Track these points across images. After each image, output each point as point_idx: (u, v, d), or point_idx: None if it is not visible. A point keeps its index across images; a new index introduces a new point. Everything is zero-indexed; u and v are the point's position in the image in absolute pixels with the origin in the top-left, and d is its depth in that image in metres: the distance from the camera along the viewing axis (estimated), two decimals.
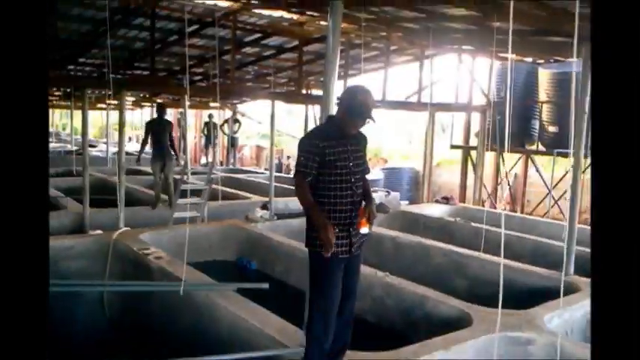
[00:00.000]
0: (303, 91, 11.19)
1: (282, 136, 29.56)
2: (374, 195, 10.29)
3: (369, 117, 2.96)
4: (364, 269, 5.29)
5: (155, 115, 9.08)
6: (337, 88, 3.45)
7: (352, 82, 12.13)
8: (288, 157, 19.04)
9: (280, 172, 17.37)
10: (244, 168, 16.79)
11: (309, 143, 2.96)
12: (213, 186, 8.28)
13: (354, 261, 3.06)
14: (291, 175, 3.41)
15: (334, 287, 2.94)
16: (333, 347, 3.05)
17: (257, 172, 14.69)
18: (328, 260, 2.87)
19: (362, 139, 3.14)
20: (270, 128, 8.16)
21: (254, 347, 3.55)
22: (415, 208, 9.69)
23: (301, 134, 5.99)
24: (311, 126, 10.88)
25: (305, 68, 11.44)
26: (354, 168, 2.98)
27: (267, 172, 10.65)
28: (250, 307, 4.06)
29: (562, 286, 3.25)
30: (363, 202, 3.04)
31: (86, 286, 5.45)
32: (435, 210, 9.35)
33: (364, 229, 2.95)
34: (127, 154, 11.49)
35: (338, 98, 3.28)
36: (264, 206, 7.80)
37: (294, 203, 8.65)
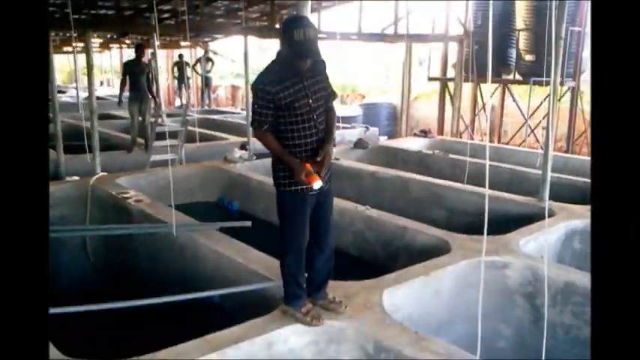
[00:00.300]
0: (277, 26, 10.83)
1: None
2: (353, 131, 10.23)
3: (310, 56, 2.75)
4: (345, 204, 5.38)
5: (133, 56, 8.76)
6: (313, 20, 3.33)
7: (327, 14, 11.78)
8: None
9: None
10: (220, 109, 16.49)
11: (262, 89, 2.77)
12: (190, 128, 8.15)
13: (325, 196, 3.01)
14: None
15: (305, 225, 2.93)
16: (317, 281, 3.10)
17: (233, 113, 14.46)
18: (298, 199, 2.87)
19: (318, 67, 2.90)
20: (244, 66, 7.96)
21: (240, 283, 3.62)
22: (394, 143, 9.72)
23: None
24: None
25: (277, 1, 11.03)
26: (314, 103, 2.83)
27: (244, 112, 10.50)
28: (234, 244, 4.11)
29: (546, 210, 3.33)
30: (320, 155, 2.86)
31: (80, 230, 5.41)
32: (413, 144, 9.40)
33: (316, 184, 2.76)
34: (99, 98, 11.17)
35: (278, 32, 2.96)
36: (243, 146, 7.74)
37: None
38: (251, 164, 7.22)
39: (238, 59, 13.03)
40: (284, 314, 2.98)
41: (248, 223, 4.62)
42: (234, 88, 22.01)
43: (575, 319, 3.60)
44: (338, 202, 5.49)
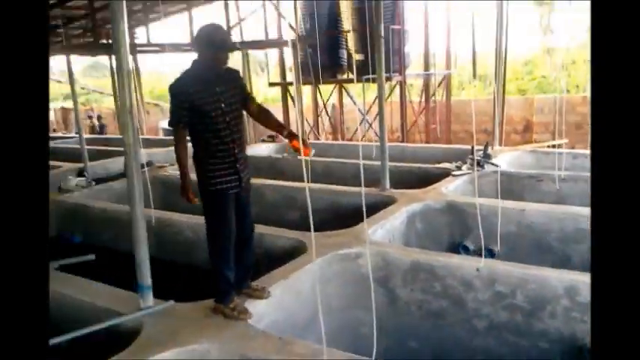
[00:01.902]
0: (103, 41, 10.17)
1: (91, 94, 26.90)
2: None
3: (230, 46, 3.19)
4: (198, 219, 5.23)
5: None
6: (141, 34, 3.18)
7: (154, 26, 11.36)
8: (100, 118, 17.45)
9: (101, 133, 15.98)
10: (51, 135, 15.04)
11: (178, 92, 3.01)
12: None
13: (246, 192, 3.25)
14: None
15: (229, 222, 3.14)
16: (243, 273, 3.35)
17: (66, 137, 13.28)
18: (221, 197, 3.10)
19: (233, 77, 3.22)
20: (71, 86, 7.34)
21: (89, 323, 3.31)
22: None
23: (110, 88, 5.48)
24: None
25: (101, 15, 10.35)
26: (226, 108, 3.05)
27: (78, 136, 9.66)
28: (77, 282, 3.75)
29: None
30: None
31: None
32: (262, 149, 9.47)
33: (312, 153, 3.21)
34: None
35: (193, 43, 3.49)
36: (80, 173, 7.13)
37: (114, 164, 8.07)
38: (90, 191, 6.68)
39: (65, 79, 12.00)
40: (214, 312, 3.15)
41: (91, 257, 4.25)
42: (65, 110, 20.24)
43: (425, 294, 3.90)
44: (190, 219, 5.33)
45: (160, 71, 27.93)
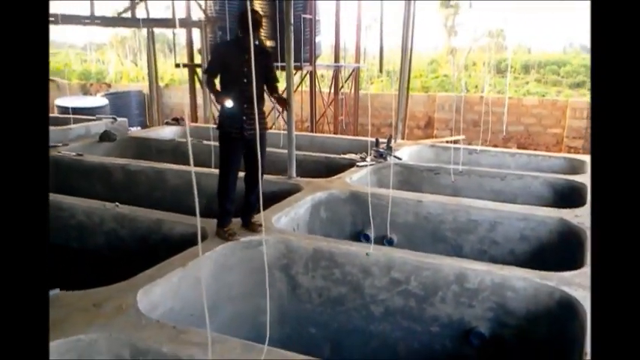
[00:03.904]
0: None
1: None
2: (98, 123, 9.35)
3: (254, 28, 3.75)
4: (91, 203, 4.94)
5: None
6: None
7: None
8: None
9: None
10: None
11: (215, 50, 4.22)
12: None
13: (261, 139, 3.51)
14: None
15: (231, 162, 4.04)
16: (247, 209, 4.19)
17: None
18: (230, 140, 4.01)
19: (261, 53, 4.09)
20: None
21: None
22: (145, 133, 9.26)
23: None
24: None
25: None
26: (246, 72, 3.79)
27: None
28: None
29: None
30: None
31: None
32: (166, 132, 9.10)
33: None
34: None
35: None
36: None
37: None
38: None
39: None
40: (217, 235, 4.01)
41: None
42: None
43: (325, 281, 3.96)
44: (83, 202, 5.00)
45: (59, 44, 25.92)
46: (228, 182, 4.06)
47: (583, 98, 14.84)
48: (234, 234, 4.00)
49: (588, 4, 1.57)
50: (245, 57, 3.72)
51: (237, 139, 3.98)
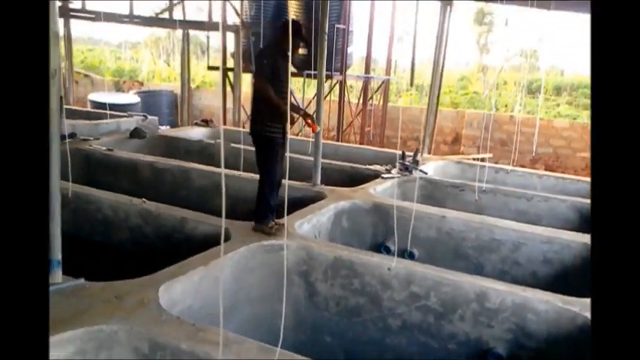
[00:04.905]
0: None
1: None
2: (130, 120, 9.58)
3: (298, 45, 4.39)
4: (118, 197, 5.03)
5: None
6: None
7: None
8: None
9: None
10: None
11: (269, 57, 4.24)
12: None
13: (286, 145, 4.15)
14: None
15: (278, 162, 4.37)
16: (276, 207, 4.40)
17: None
18: (276, 144, 4.30)
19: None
20: None
21: None
22: (174, 132, 9.42)
23: None
24: None
25: None
26: (286, 80, 4.19)
27: None
28: None
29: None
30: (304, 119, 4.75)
31: None
32: (195, 133, 9.24)
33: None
34: None
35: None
36: None
37: None
38: None
39: None
40: (254, 230, 4.20)
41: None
42: None
43: (344, 290, 3.96)
44: (110, 196, 5.10)
45: (96, 41, 26.57)
46: (273, 180, 4.38)
47: None
48: (278, 228, 4.21)
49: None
50: (287, 65, 4.12)
51: (280, 144, 4.31)
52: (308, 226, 4.69)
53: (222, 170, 1.99)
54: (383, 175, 6.45)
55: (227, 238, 4.03)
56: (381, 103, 13.30)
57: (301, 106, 4.89)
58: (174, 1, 10.00)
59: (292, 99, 4.45)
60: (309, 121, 4.69)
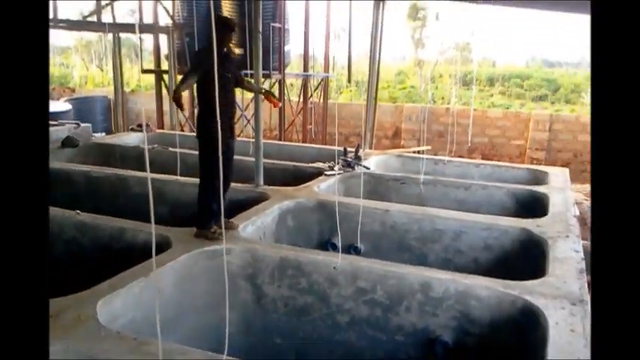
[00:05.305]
0: None
1: None
2: (61, 128, 9.12)
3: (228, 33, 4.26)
4: (51, 211, 4.77)
5: None
6: None
7: None
8: None
9: None
10: None
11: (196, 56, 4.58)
12: None
13: (232, 146, 4.46)
14: None
15: (218, 164, 4.12)
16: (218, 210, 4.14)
17: None
18: (216, 144, 4.04)
19: (232, 60, 4.58)
20: None
21: None
22: (110, 139, 9.07)
23: None
24: None
25: None
26: (226, 76, 4.22)
27: None
28: None
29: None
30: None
31: None
32: (131, 139, 8.93)
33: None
34: None
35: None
36: None
37: None
38: None
39: None
40: (196, 236, 4.14)
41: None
42: None
43: (291, 291, 3.94)
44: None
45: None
46: (215, 184, 4.16)
47: (545, 111, 15.29)
48: (221, 233, 4.03)
49: (550, 20, 1.60)
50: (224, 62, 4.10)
51: (222, 144, 4.19)
52: (252, 228, 4.63)
53: (148, 174, 1.90)
54: (326, 173, 6.47)
55: (168, 246, 3.91)
56: (322, 100, 13.35)
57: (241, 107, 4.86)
58: (103, 3, 9.61)
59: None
60: (271, 97, 4.76)
